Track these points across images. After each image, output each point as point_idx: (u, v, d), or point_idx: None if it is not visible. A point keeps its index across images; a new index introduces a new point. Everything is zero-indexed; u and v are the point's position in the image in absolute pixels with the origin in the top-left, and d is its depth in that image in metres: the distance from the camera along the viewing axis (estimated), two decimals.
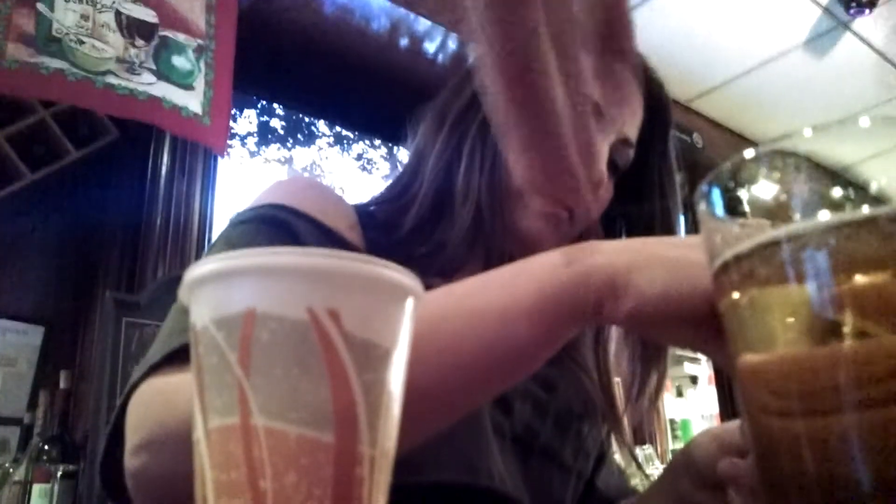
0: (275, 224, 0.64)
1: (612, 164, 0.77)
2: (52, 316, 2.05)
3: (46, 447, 1.66)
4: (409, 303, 0.30)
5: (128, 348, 1.68)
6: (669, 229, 0.79)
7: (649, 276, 0.40)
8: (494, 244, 0.75)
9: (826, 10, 2.75)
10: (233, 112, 2.37)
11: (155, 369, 0.52)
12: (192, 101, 1.84)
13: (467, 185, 0.75)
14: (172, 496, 0.44)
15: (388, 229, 0.76)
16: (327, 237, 0.66)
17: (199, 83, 1.87)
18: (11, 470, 1.66)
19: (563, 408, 0.74)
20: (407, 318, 0.30)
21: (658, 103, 0.82)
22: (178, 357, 0.51)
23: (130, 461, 0.49)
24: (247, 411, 0.26)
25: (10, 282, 2.02)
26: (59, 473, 1.58)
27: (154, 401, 0.50)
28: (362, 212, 0.77)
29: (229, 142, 2.33)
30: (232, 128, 2.35)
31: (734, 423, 0.56)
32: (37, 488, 1.60)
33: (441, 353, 0.43)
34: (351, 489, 0.26)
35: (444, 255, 0.75)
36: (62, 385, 1.75)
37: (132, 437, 0.49)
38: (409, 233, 0.76)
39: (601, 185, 0.74)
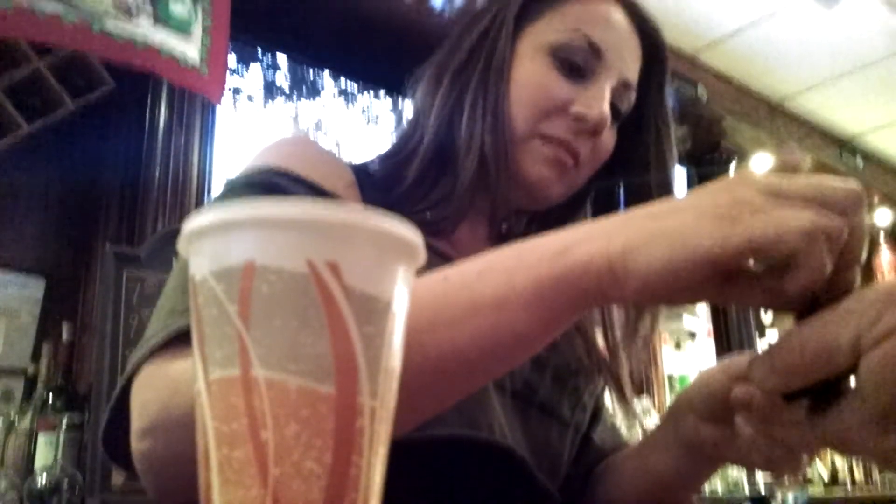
0: (270, 189, 0.64)
1: (614, 109, 0.77)
2: (53, 268, 2.05)
3: (51, 397, 1.68)
4: (410, 255, 0.30)
5: (129, 301, 1.69)
6: (665, 175, 0.80)
7: (647, 254, 0.40)
8: (500, 193, 0.75)
9: None
10: (238, 67, 2.34)
11: (157, 350, 0.52)
12: (189, 49, 1.81)
13: (470, 136, 0.74)
14: (179, 477, 0.45)
15: (387, 187, 0.76)
16: (323, 199, 0.66)
17: (197, 30, 1.84)
18: (17, 420, 1.68)
19: (561, 363, 0.75)
20: (407, 272, 0.30)
21: (654, 48, 0.81)
22: (180, 338, 0.51)
23: (137, 444, 0.50)
24: (247, 363, 0.26)
25: (9, 234, 2.02)
26: (64, 423, 1.60)
27: (158, 385, 0.50)
28: (360, 171, 0.76)
29: (235, 96, 2.31)
30: (238, 85, 2.32)
31: (740, 357, 0.56)
32: (42, 437, 1.63)
33: (440, 345, 0.43)
34: (352, 440, 0.26)
35: (447, 209, 0.74)
36: (64, 337, 1.76)
37: (138, 421, 0.51)
38: (410, 188, 0.76)
39: (604, 125, 0.74)
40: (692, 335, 4.40)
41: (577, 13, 0.76)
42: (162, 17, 1.77)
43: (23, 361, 1.94)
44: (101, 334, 1.65)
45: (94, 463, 1.57)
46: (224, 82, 1.89)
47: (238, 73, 2.35)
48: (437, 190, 0.76)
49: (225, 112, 2.27)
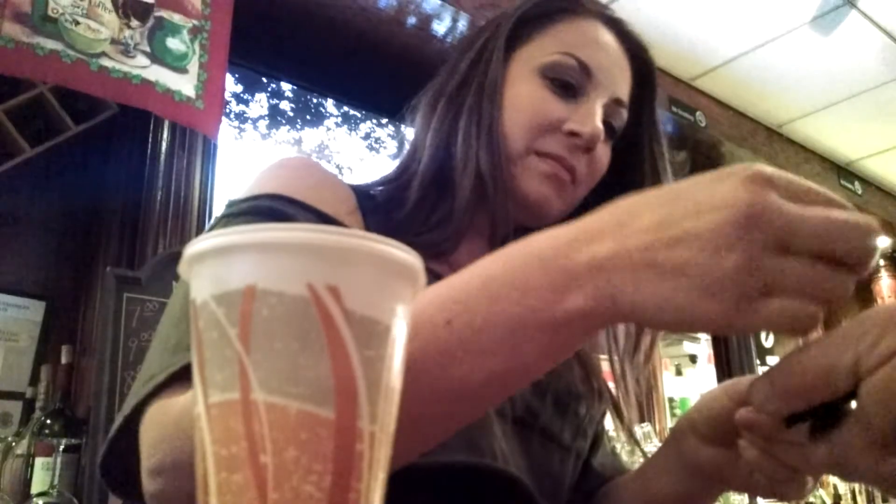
0: (269, 215, 0.64)
1: (608, 126, 0.78)
2: (54, 291, 2.05)
3: (48, 421, 1.67)
4: (410, 279, 0.30)
5: (129, 323, 1.68)
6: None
7: (650, 294, 0.38)
8: (498, 211, 0.75)
9: None
10: (243, 95, 2.36)
11: (161, 388, 0.53)
12: (185, 84, 1.82)
13: (466, 155, 0.75)
14: None
15: (388, 211, 0.76)
16: (325, 224, 0.66)
17: (193, 66, 1.86)
18: (14, 444, 1.67)
19: (562, 388, 0.75)
20: (408, 296, 0.30)
21: (644, 68, 0.82)
22: (183, 373, 0.52)
23: (148, 483, 0.51)
24: (247, 386, 0.26)
25: (11, 257, 2.02)
26: (62, 447, 1.59)
27: (165, 422, 0.51)
28: (362, 194, 0.76)
29: (241, 125, 2.33)
30: (242, 111, 2.34)
31: (742, 378, 0.55)
32: (39, 461, 1.61)
33: (450, 389, 0.43)
34: (351, 464, 0.26)
35: (446, 230, 0.75)
36: (64, 360, 1.76)
37: (147, 461, 0.51)
38: (411, 211, 0.76)
39: (597, 140, 0.74)
40: (693, 359, 4.39)
41: (566, 35, 0.78)
42: (158, 54, 1.79)
43: (21, 385, 1.93)
44: (100, 357, 1.65)
45: (91, 487, 1.56)
46: (220, 116, 1.91)
47: (243, 101, 2.37)
48: (437, 213, 0.77)
49: (228, 137, 2.29)
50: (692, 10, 2.85)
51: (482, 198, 0.75)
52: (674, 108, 3.19)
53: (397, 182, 0.80)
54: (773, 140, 3.74)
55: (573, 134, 0.74)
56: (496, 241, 0.81)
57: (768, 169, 0.38)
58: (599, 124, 0.75)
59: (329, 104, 2.59)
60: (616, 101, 0.78)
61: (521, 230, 0.82)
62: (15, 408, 1.90)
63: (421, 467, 0.54)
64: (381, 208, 0.76)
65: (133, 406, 0.53)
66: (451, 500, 0.63)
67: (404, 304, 0.30)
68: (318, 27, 2.49)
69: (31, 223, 2.07)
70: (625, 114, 0.80)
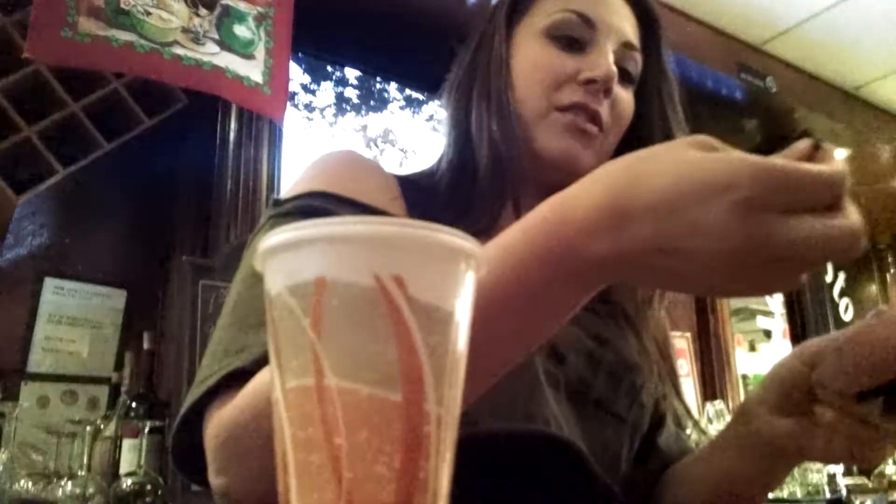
0: (314, 214, 0.66)
1: (624, 71, 0.78)
2: (134, 280, 2.14)
3: (134, 405, 1.76)
4: (471, 266, 0.31)
5: (205, 309, 1.75)
6: (668, 133, 0.81)
7: (647, 282, 0.52)
8: (520, 183, 0.76)
9: None
10: (311, 86, 2.40)
11: (214, 392, 0.57)
12: (253, 70, 1.87)
13: (479, 132, 0.77)
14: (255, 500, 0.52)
15: (429, 196, 0.77)
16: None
17: (260, 52, 1.90)
18: (102, 426, 1.76)
19: (616, 360, 0.75)
20: (469, 282, 0.31)
21: (645, 13, 0.83)
22: (234, 377, 0.56)
23: (213, 481, 0.56)
24: (320, 372, 0.28)
25: (92, 248, 2.12)
26: (147, 429, 1.67)
27: (218, 427, 0.55)
28: (405, 182, 0.78)
29: (310, 115, 2.38)
30: (310, 101, 2.39)
31: (811, 341, 0.54)
32: (126, 443, 1.70)
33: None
34: (419, 446, 0.28)
35: (479, 210, 0.76)
36: (145, 346, 1.84)
37: (211, 462, 0.56)
38: (445, 195, 0.77)
39: (612, 79, 0.75)
40: (767, 335, 4.28)
41: None
42: (227, 41, 1.84)
43: (107, 370, 2.03)
44: (179, 343, 1.72)
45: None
46: (286, 101, 1.95)
47: (310, 91, 2.42)
48: (469, 195, 0.78)
49: (297, 127, 2.34)
50: None
51: (500, 165, 0.76)
52: (742, 75, 3.09)
53: (435, 169, 0.82)
54: (849, 103, 3.59)
55: (589, 81, 0.75)
56: (521, 211, 0.81)
57: (759, 188, 0.38)
58: (612, 65, 0.75)
59: (392, 88, 2.61)
60: (626, 45, 0.79)
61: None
62: (102, 392, 2.00)
63: (478, 436, 0.55)
64: (422, 194, 0.77)
65: (188, 407, 0.58)
66: (509, 468, 0.64)
67: (467, 290, 0.31)
68: (377, 9, 2.51)
69: (111, 215, 2.16)
70: (638, 57, 0.80)
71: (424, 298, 0.28)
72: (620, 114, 0.78)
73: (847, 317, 4.62)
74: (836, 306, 4.58)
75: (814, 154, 0.40)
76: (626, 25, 0.80)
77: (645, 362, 0.78)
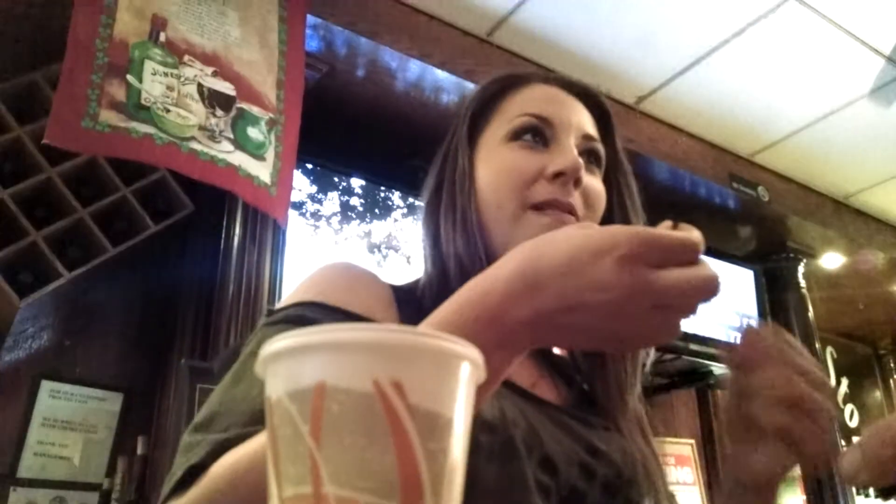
0: (302, 324, 0.68)
1: (591, 161, 0.81)
2: (131, 382, 2.12)
3: None
4: (470, 372, 0.31)
5: None
6: (626, 220, 0.84)
7: (560, 343, 0.58)
8: None
9: (889, 59, 2.71)
10: (318, 195, 2.48)
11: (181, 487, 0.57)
12: (262, 171, 1.93)
13: (450, 255, 0.79)
14: None
15: (420, 304, 0.78)
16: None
17: (270, 154, 1.96)
18: None
19: (611, 472, 0.73)
20: (467, 388, 0.31)
21: (598, 107, 0.86)
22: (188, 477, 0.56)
23: None
24: (318, 480, 0.28)
25: (91, 350, 2.11)
26: None
27: None
28: (400, 290, 0.79)
29: (316, 223, 2.43)
30: (318, 209, 2.46)
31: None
32: None
33: None
34: None
35: None
36: (139, 450, 1.80)
37: None
38: (430, 303, 0.78)
39: (579, 169, 0.76)
40: None
41: (517, 103, 0.83)
42: (241, 141, 1.91)
43: (98, 476, 1.98)
44: (173, 448, 1.68)
45: None
46: (288, 203, 2.00)
47: (317, 201, 2.49)
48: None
49: (304, 234, 2.39)
50: (747, 88, 2.86)
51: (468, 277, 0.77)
52: (734, 184, 3.17)
53: (426, 278, 0.84)
54: (840, 211, 3.65)
55: (557, 175, 0.76)
56: None
57: (629, 243, 0.48)
58: (577, 156, 0.77)
59: (396, 196, 2.68)
60: (586, 137, 0.82)
61: None
62: (92, 499, 1.94)
63: None
64: (414, 303, 0.78)
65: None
66: None
67: (465, 396, 0.31)
68: (380, 122, 2.60)
69: (112, 318, 2.17)
70: (599, 147, 0.83)
71: (423, 404, 0.29)
72: (593, 203, 0.80)
73: (853, 423, 4.53)
74: (841, 413, 4.51)
75: (675, 228, 0.51)
76: (584, 119, 0.83)
77: (641, 472, 0.76)
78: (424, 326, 0.52)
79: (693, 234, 0.49)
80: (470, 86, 2.47)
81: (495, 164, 0.80)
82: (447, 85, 2.48)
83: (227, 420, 0.60)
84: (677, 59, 2.73)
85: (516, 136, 0.80)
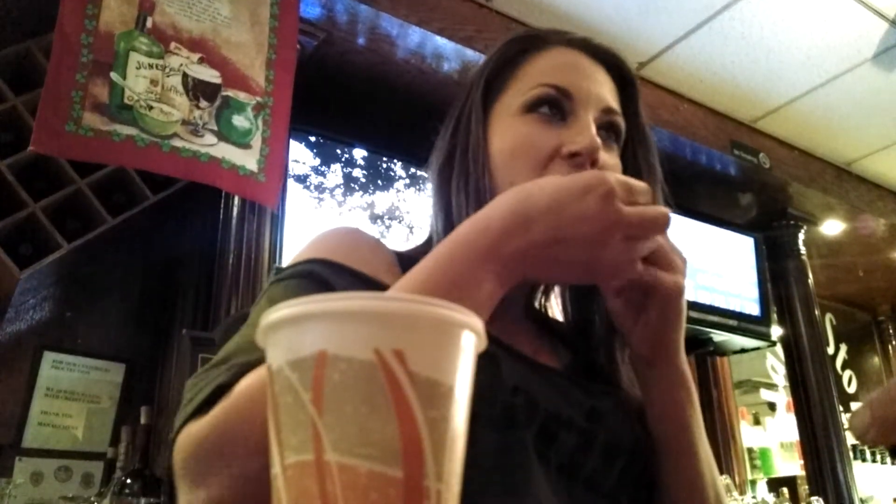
0: (312, 279, 0.68)
1: (609, 138, 0.79)
2: (133, 353, 2.14)
3: (129, 481, 1.72)
4: (470, 340, 0.31)
5: None
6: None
7: (550, 275, 0.67)
8: None
9: (894, 23, 2.68)
10: (321, 168, 2.47)
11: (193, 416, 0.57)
12: (248, 159, 1.92)
13: (460, 216, 0.76)
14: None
15: None
16: (365, 284, 0.69)
17: (256, 141, 1.95)
18: (96, 503, 1.73)
19: (611, 439, 0.73)
20: (468, 356, 0.31)
21: (621, 74, 0.83)
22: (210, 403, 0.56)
23: (189, 496, 0.54)
24: (320, 448, 0.28)
25: (93, 322, 2.12)
26: None
27: (195, 443, 0.55)
28: (403, 256, 0.79)
29: (320, 195, 2.43)
30: (322, 182, 2.46)
31: None
32: None
33: None
34: None
35: None
36: (143, 420, 1.81)
37: (186, 476, 0.55)
38: None
39: (597, 150, 0.74)
40: (771, 407, 4.22)
41: (535, 71, 0.79)
42: (224, 131, 1.90)
43: (102, 446, 2.00)
44: None
45: None
46: (279, 187, 2.00)
47: (321, 173, 2.48)
48: None
49: (305, 205, 2.39)
50: (749, 53, 2.84)
51: None
52: (736, 151, 3.15)
53: (429, 246, 0.83)
54: (842, 178, 3.64)
55: (573, 155, 0.74)
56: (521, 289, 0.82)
57: (611, 182, 0.58)
58: (595, 136, 0.74)
59: (398, 167, 2.67)
60: (606, 111, 0.78)
61: None
62: (97, 468, 1.97)
63: None
64: None
65: (179, 425, 0.57)
66: None
67: (466, 364, 0.31)
68: (380, 91, 2.58)
69: (112, 289, 2.17)
70: (620, 120, 0.80)
71: (424, 372, 0.29)
72: None
73: (851, 389, 4.57)
74: (839, 378, 4.54)
75: None
76: (605, 91, 0.79)
77: (641, 438, 0.76)
78: (426, 263, 0.59)
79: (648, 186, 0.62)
80: (470, 53, 2.44)
81: (510, 137, 0.77)
82: (447, 52, 2.45)
83: (247, 353, 0.60)
84: (679, 25, 2.70)
85: (533, 107, 0.77)
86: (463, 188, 0.78)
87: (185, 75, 1.87)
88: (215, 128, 1.89)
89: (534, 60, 0.81)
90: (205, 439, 0.53)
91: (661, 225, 0.61)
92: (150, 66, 1.83)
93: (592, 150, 0.73)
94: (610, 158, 0.78)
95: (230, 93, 1.93)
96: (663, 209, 0.61)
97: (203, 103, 1.88)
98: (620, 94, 0.82)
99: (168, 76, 1.85)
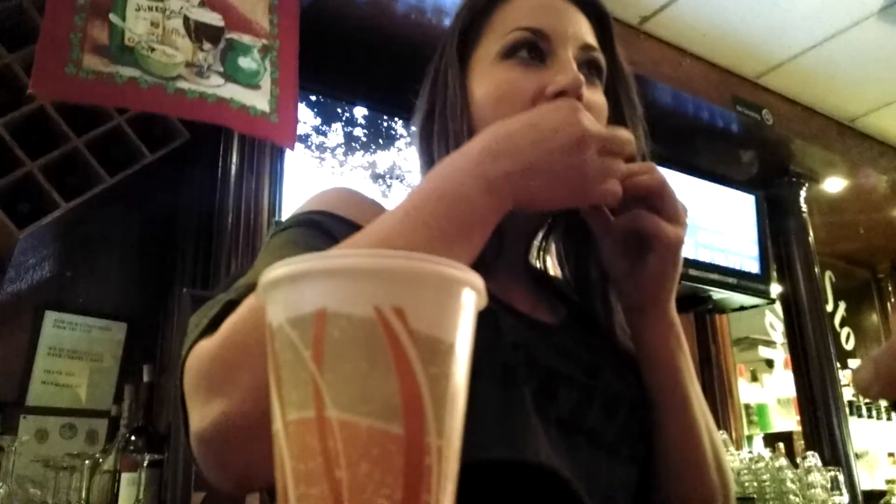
0: (313, 226, 0.69)
1: (591, 74, 0.78)
2: (134, 312, 2.14)
3: (133, 438, 1.75)
4: (471, 298, 0.31)
5: None
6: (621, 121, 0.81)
7: (537, 193, 0.63)
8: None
9: None
10: (322, 127, 2.45)
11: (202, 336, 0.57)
12: (259, 100, 1.89)
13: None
14: (254, 441, 0.48)
15: None
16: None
17: (266, 82, 1.92)
18: (101, 460, 1.75)
19: (610, 393, 0.73)
20: (469, 313, 0.31)
21: (596, 13, 0.82)
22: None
23: (203, 410, 0.53)
24: (321, 405, 0.28)
25: (93, 281, 2.12)
26: (146, 462, 1.66)
27: (208, 356, 0.54)
28: None
29: (321, 155, 2.41)
30: (323, 142, 2.43)
31: None
32: (125, 477, 1.69)
33: None
34: (420, 478, 0.28)
35: None
36: (145, 378, 1.83)
37: (198, 391, 0.55)
38: None
39: (580, 85, 0.72)
40: (769, 364, 4.26)
41: (508, 17, 0.78)
42: (231, 73, 1.87)
43: (106, 403, 2.02)
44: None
45: (174, 501, 1.62)
46: (295, 128, 1.96)
47: (322, 133, 2.46)
48: None
49: (306, 164, 2.37)
50: (754, 7, 2.79)
51: None
52: (738, 108, 3.12)
53: None
54: (845, 135, 3.61)
55: (558, 94, 0.72)
56: (518, 240, 0.83)
57: (577, 102, 0.67)
58: (577, 72, 0.73)
59: (399, 126, 2.65)
60: (585, 48, 0.77)
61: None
62: (101, 426, 1.99)
63: (464, 467, 0.55)
64: None
65: (188, 347, 0.58)
66: (498, 500, 0.62)
67: (466, 321, 0.31)
68: (380, 47, 2.54)
69: (112, 247, 2.17)
70: (598, 56, 0.79)
71: (425, 330, 0.29)
72: (595, 113, 0.75)
73: (849, 346, 4.60)
74: (837, 336, 4.57)
75: None
76: (581, 28, 0.78)
77: (641, 392, 0.77)
78: (414, 193, 0.61)
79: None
80: None
81: (490, 85, 0.76)
82: (448, 6, 2.41)
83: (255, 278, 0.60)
84: None
85: (511, 52, 0.76)
86: (444, 143, 0.77)
87: (185, 18, 1.84)
88: (221, 69, 1.86)
89: (506, 6, 0.79)
90: (217, 352, 0.53)
91: (629, 140, 0.66)
92: (150, 7, 1.80)
93: (576, 86, 0.72)
94: (594, 95, 0.77)
95: (234, 35, 1.90)
96: (628, 133, 0.67)
97: (206, 45, 1.85)
98: (597, 32, 0.81)
99: (169, 18, 1.82)
